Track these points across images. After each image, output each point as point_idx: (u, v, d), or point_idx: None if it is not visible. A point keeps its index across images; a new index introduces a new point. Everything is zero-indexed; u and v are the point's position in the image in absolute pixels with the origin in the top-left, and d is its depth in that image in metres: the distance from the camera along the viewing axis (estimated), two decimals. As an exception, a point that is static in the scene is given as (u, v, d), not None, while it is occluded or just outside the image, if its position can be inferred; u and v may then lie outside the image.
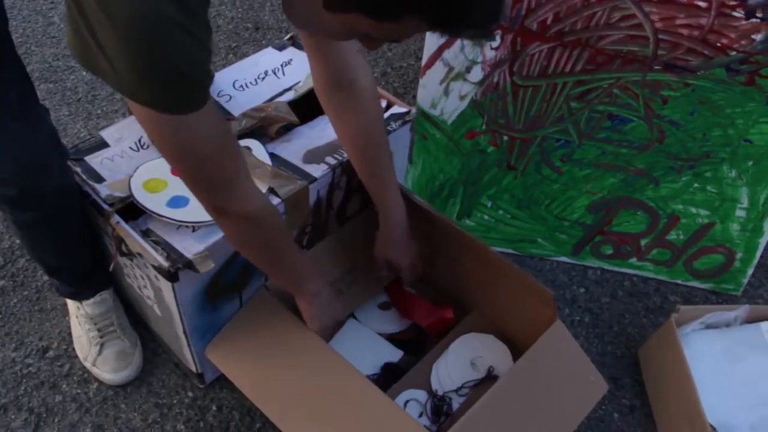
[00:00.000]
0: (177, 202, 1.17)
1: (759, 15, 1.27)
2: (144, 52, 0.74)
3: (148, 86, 0.78)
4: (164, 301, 1.22)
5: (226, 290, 1.25)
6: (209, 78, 0.83)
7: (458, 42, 1.40)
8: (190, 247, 1.13)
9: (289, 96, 1.41)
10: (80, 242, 1.32)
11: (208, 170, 0.93)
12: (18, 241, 1.66)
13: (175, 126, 0.84)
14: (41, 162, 1.14)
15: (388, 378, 1.36)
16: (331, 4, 0.74)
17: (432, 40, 1.41)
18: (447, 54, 1.42)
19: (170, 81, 0.78)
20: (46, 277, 1.60)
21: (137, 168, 1.23)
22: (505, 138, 1.54)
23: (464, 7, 0.71)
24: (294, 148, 1.33)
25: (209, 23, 0.81)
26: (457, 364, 1.38)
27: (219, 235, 1.15)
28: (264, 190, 1.22)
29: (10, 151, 1.10)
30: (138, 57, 0.74)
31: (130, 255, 1.20)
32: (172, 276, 1.12)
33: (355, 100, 1.19)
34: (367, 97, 1.20)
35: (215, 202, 0.98)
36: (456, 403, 1.34)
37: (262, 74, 1.46)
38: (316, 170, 1.28)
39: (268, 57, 1.51)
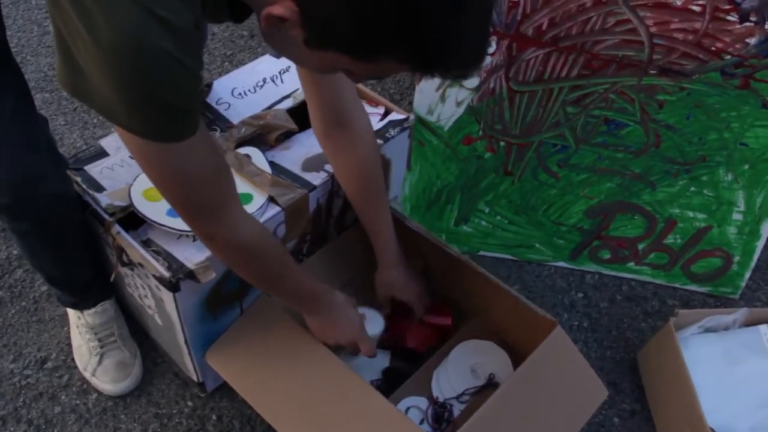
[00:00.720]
0: (177, 211, 1.17)
1: (753, 19, 1.28)
2: (131, 81, 0.74)
3: (135, 114, 0.77)
4: (165, 311, 1.22)
5: (227, 299, 1.25)
6: (197, 107, 0.83)
7: (455, 49, 1.40)
8: (191, 256, 1.13)
9: (288, 103, 1.41)
10: (80, 251, 1.31)
11: (196, 198, 0.92)
12: (15, 252, 1.66)
13: (161, 153, 0.83)
14: (36, 171, 1.14)
15: (390, 382, 1.36)
16: (311, 41, 0.74)
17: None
18: (444, 61, 1.42)
19: (156, 110, 0.78)
20: (44, 288, 1.59)
21: (137, 177, 1.22)
22: (502, 144, 1.54)
23: (441, 53, 0.72)
24: (293, 156, 1.33)
25: (201, 53, 0.81)
26: (457, 371, 1.38)
27: (220, 244, 1.15)
28: (263, 198, 1.22)
29: (3, 160, 1.10)
30: (125, 85, 0.74)
31: (131, 265, 1.20)
32: (173, 286, 1.12)
33: (352, 138, 1.21)
34: (364, 137, 1.22)
35: (202, 229, 0.97)
36: (457, 410, 1.34)
37: (260, 82, 1.46)
38: (316, 178, 1.29)
39: (266, 64, 1.51)
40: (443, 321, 1.44)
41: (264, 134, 1.34)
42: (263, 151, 1.32)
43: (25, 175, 1.12)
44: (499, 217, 1.67)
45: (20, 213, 1.17)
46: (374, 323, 1.36)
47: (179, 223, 1.15)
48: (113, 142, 1.32)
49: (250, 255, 1.04)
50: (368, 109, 1.43)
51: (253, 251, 1.03)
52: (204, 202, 0.93)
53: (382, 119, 1.42)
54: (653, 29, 1.32)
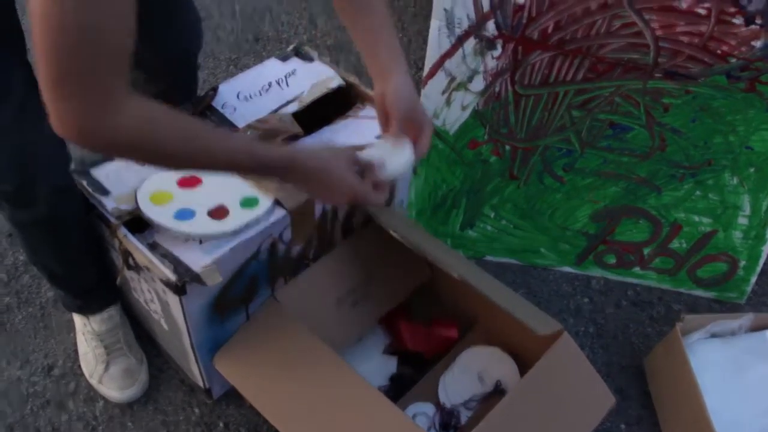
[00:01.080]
0: (184, 214, 1.16)
1: (758, 22, 1.28)
2: None
3: None
4: (171, 315, 1.22)
5: (233, 303, 1.25)
6: None
7: (460, 52, 1.40)
8: (197, 260, 1.13)
9: (294, 107, 1.41)
10: (84, 251, 1.31)
11: (78, 62, 0.76)
12: (22, 258, 1.65)
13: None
14: (41, 161, 1.13)
15: (397, 389, 1.35)
16: None
17: (434, 50, 1.41)
18: (449, 64, 1.42)
19: None
20: (50, 294, 1.59)
21: (143, 180, 1.22)
22: (508, 148, 1.54)
23: None
24: (299, 160, 1.33)
25: None
26: (464, 377, 1.37)
27: (226, 247, 1.15)
28: (269, 201, 1.22)
29: (9, 147, 1.09)
30: None
31: (137, 268, 1.20)
32: (179, 289, 1.11)
33: None
34: None
35: (78, 110, 0.79)
36: (464, 416, 1.33)
37: (266, 85, 1.46)
38: (322, 182, 1.28)
39: (271, 68, 1.51)
40: (449, 333, 1.44)
41: (269, 138, 1.34)
42: (269, 156, 1.31)
43: (28, 164, 1.11)
44: (504, 222, 1.67)
45: (22, 201, 1.16)
46: (400, 156, 1.10)
47: (186, 227, 1.15)
48: (119, 146, 1.32)
49: (138, 146, 0.85)
50: (374, 112, 1.43)
51: (143, 138, 0.85)
52: (96, 67, 0.77)
53: (387, 123, 1.42)
54: (659, 32, 1.32)
